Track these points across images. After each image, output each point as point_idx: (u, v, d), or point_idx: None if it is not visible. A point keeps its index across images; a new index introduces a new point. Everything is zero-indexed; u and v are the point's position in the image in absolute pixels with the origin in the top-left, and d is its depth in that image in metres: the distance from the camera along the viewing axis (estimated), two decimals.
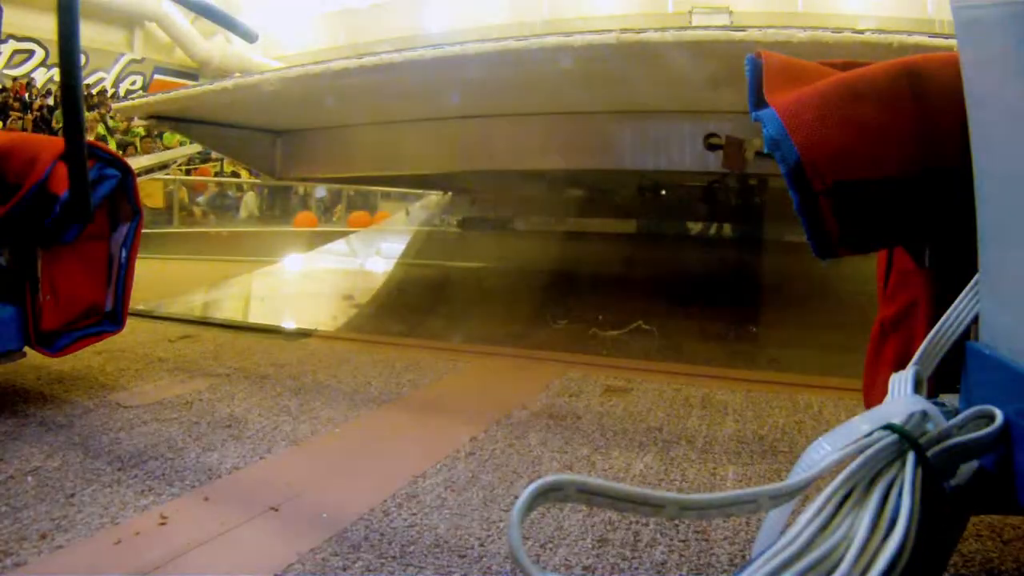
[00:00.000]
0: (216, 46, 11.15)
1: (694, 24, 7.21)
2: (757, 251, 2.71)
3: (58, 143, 0.96)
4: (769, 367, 1.40)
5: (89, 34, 8.08)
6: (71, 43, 0.90)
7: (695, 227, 3.04)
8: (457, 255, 3.25)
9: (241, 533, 0.61)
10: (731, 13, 7.81)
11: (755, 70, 0.58)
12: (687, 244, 3.00)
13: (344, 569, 0.55)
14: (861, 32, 1.19)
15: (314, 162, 2.29)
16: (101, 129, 7.37)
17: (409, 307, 2.30)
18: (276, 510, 0.66)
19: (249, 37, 1.28)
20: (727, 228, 2.92)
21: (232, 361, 1.30)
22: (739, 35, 1.18)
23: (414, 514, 0.65)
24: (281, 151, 2.30)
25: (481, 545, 0.59)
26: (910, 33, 1.16)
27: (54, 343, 1.01)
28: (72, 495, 0.67)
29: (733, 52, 1.18)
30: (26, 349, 1.00)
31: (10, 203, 0.92)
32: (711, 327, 1.86)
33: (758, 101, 0.56)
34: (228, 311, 2.20)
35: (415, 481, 0.73)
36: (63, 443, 0.83)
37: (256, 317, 2.07)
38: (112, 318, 1.11)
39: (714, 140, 1.55)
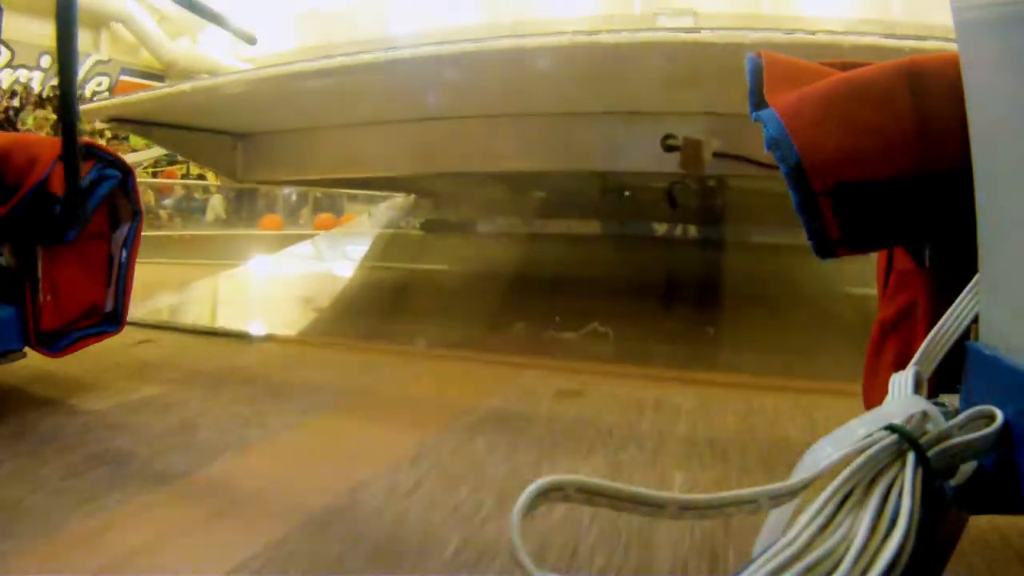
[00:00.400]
0: (182, 47, 11.10)
1: (657, 26, 7.27)
2: (720, 251, 2.71)
3: (58, 144, 0.97)
4: (725, 368, 1.39)
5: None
6: (68, 46, 0.90)
7: (660, 228, 3.03)
8: (419, 258, 3.24)
9: (180, 541, 0.60)
10: (696, 15, 7.89)
11: (755, 70, 0.58)
12: (650, 244, 2.98)
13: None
14: (812, 33, 1.21)
15: (276, 165, 2.29)
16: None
17: (368, 310, 2.28)
18: (219, 517, 0.65)
19: (247, 39, 1.29)
20: (692, 229, 2.91)
21: (189, 365, 1.28)
22: (692, 37, 1.20)
23: (353, 522, 0.64)
24: (243, 154, 2.29)
25: (418, 553, 0.58)
26: (862, 34, 1.17)
27: (54, 343, 1.01)
28: (20, 501, 0.66)
29: (687, 53, 1.21)
30: (26, 349, 1.00)
31: (10, 203, 0.92)
32: (669, 328, 1.85)
33: (758, 101, 0.56)
34: (190, 315, 2.20)
35: (357, 488, 0.71)
36: (10, 449, 0.81)
37: (217, 321, 2.08)
38: (112, 318, 1.12)
39: (671, 142, 1.54)
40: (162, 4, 10.43)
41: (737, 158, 1.45)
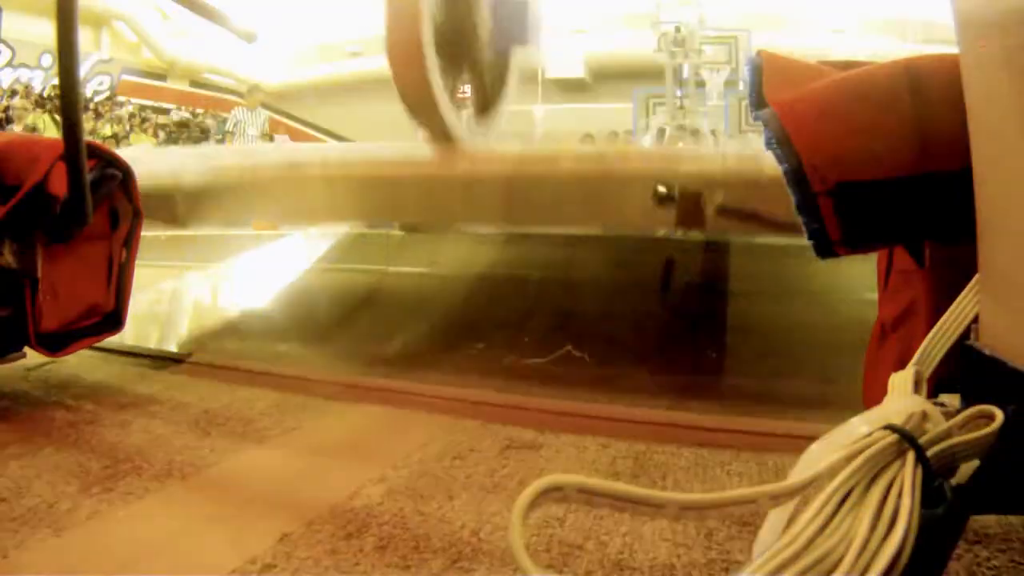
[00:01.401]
0: (183, 47, 11.06)
1: (661, 19, 7.34)
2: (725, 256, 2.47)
3: (58, 144, 0.97)
4: (731, 408, 1.12)
5: None
6: (70, 44, 0.90)
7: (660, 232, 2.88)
8: (393, 260, 3.03)
9: None
10: (701, 8, 7.76)
11: (755, 70, 0.58)
12: (645, 244, 2.76)
13: None
14: None
15: (218, 212, 2.21)
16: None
17: (308, 323, 1.96)
18: None
19: (247, 37, 1.28)
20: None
21: (75, 398, 1.06)
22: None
23: None
24: (183, 205, 2.23)
25: None
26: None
27: (54, 343, 1.01)
28: None
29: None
30: (26, 349, 1.00)
31: (10, 203, 0.92)
32: (660, 348, 1.52)
33: (758, 101, 0.56)
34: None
35: None
36: None
37: (136, 337, 1.78)
38: (112, 318, 1.12)
39: (663, 192, 1.23)
40: (164, 3, 10.40)
41: (748, 215, 1.17)
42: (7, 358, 0.99)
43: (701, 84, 7.91)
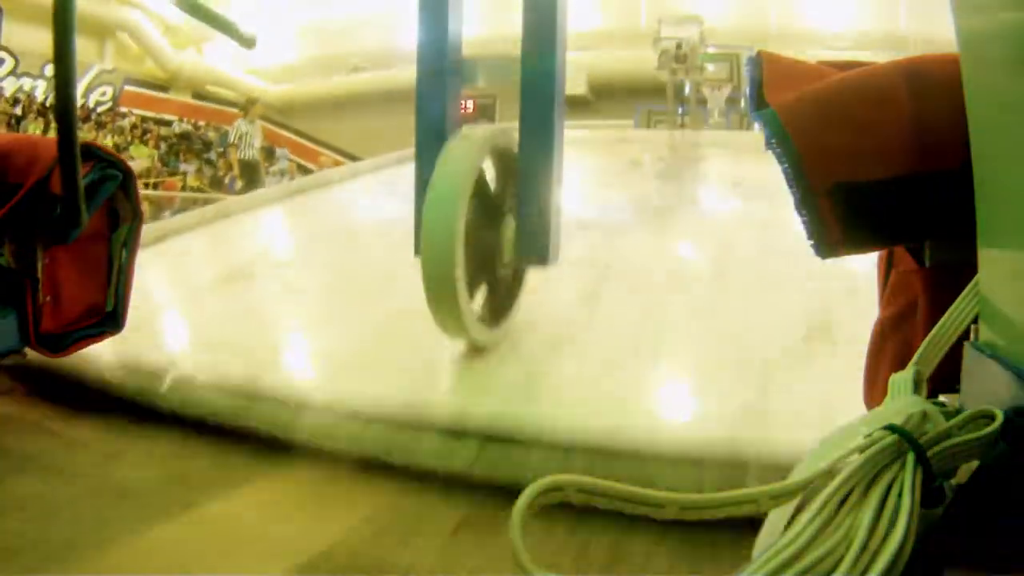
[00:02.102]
0: (188, 58, 11.03)
1: (662, 35, 7.12)
2: None
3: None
4: None
5: None
6: (66, 46, 0.90)
7: None
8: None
9: None
10: (702, 24, 7.62)
11: (755, 70, 0.58)
12: None
13: None
14: None
15: None
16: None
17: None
18: None
19: (247, 43, 1.28)
20: None
21: None
22: None
23: None
24: None
25: None
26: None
27: (55, 344, 1.01)
28: None
29: None
30: (26, 349, 1.00)
31: (11, 203, 0.92)
32: None
33: (759, 102, 0.56)
34: None
35: None
36: None
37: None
38: (112, 319, 1.12)
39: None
40: (168, 14, 10.36)
41: None
42: (7, 358, 0.99)
43: (703, 102, 7.74)
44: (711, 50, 7.80)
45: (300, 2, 11.42)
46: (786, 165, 0.50)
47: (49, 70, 9.09)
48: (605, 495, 0.30)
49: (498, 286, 1.16)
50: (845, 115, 0.51)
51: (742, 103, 7.71)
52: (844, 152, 0.50)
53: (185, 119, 10.65)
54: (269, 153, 10.49)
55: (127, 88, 10.58)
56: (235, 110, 11.68)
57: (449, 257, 0.99)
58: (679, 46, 7.10)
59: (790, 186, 0.51)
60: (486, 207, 1.08)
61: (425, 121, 1.14)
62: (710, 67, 7.68)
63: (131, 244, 1.11)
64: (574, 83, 9.55)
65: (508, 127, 1.13)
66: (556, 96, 1.09)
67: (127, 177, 1.07)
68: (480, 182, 1.06)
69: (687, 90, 7.35)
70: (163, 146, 9.71)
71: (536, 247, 1.12)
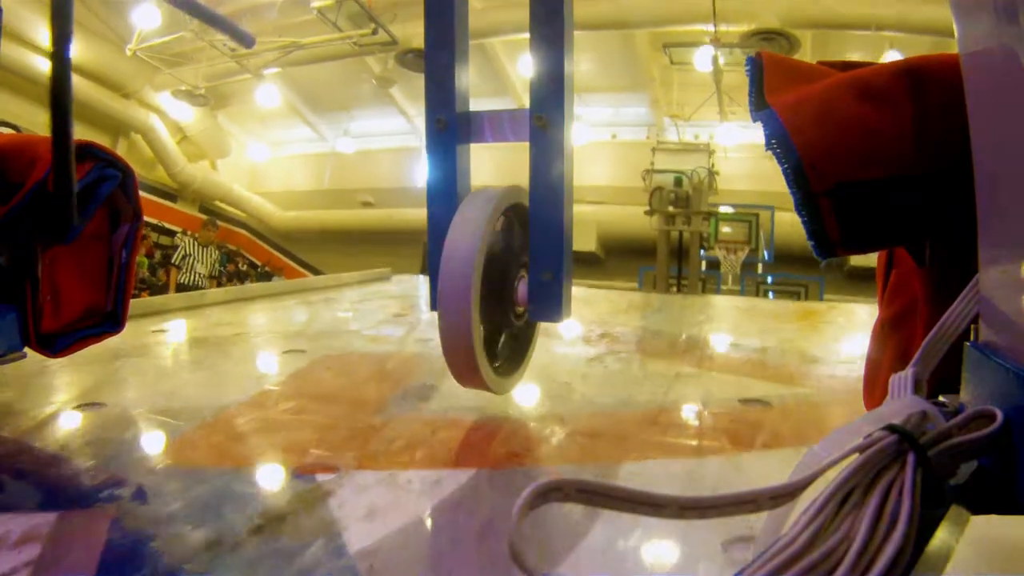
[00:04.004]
0: (200, 170, 10.90)
1: (655, 167, 5.43)
2: None
3: None
4: None
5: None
6: (62, 41, 0.90)
7: None
8: None
9: None
10: (712, 156, 5.81)
11: (755, 70, 0.58)
12: None
13: None
14: None
15: None
16: None
17: None
18: None
19: (245, 42, 1.28)
20: None
21: None
22: None
23: None
24: None
25: None
26: None
27: (55, 344, 1.02)
28: None
29: None
30: (26, 350, 1.00)
31: (10, 203, 0.92)
32: None
33: (758, 101, 0.56)
34: None
35: None
36: None
37: None
38: (112, 319, 1.12)
39: None
40: (186, 124, 10.14)
41: None
42: (7, 358, 0.99)
43: (714, 265, 6.03)
44: (726, 209, 6.28)
45: (314, 137, 11.32)
46: (786, 166, 0.50)
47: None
48: (605, 495, 0.30)
49: (512, 339, 1.18)
50: (846, 115, 0.51)
51: (759, 269, 6.42)
52: (844, 152, 0.50)
53: (188, 232, 10.53)
54: (264, 277, 10.39)
55: None
56: (242, 230, 11.53)
57: (466, 313, 1.02)
58: (679, 182, 5.22)
59: (790, 187, 0.51)
60: (500, 263, 1.11)
61: (436, 178, 1.18)
62: (725, 228, 6.15)
63: (131, 244, 1.11)
64: (585, 239, 8.45)
65: (520, 186, 1.15)
66: (566, 153, 1.11)
67: (127, 176, 1.07)
68: (494, 239, 1.08)
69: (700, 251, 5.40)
70: (157, 254, 9.43)
71: (550, 304, 1.15)
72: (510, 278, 1.12)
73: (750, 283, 6.73)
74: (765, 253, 6.57)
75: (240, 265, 10.74)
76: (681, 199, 5.11)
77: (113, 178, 1.05)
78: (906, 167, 0.49)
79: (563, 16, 1.06)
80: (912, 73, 0.51)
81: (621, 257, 8.82)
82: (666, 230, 5.24)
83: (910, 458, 0.32)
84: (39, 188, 0.94)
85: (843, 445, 0.33)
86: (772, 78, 0.56)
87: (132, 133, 10.20)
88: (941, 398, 0.41)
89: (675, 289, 5.36)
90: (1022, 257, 0.35)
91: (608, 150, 9.18)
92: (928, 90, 0.50)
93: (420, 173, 10.18)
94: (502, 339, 1.16)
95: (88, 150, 1.00)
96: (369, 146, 11.03)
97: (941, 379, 0.42)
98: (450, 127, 1.13)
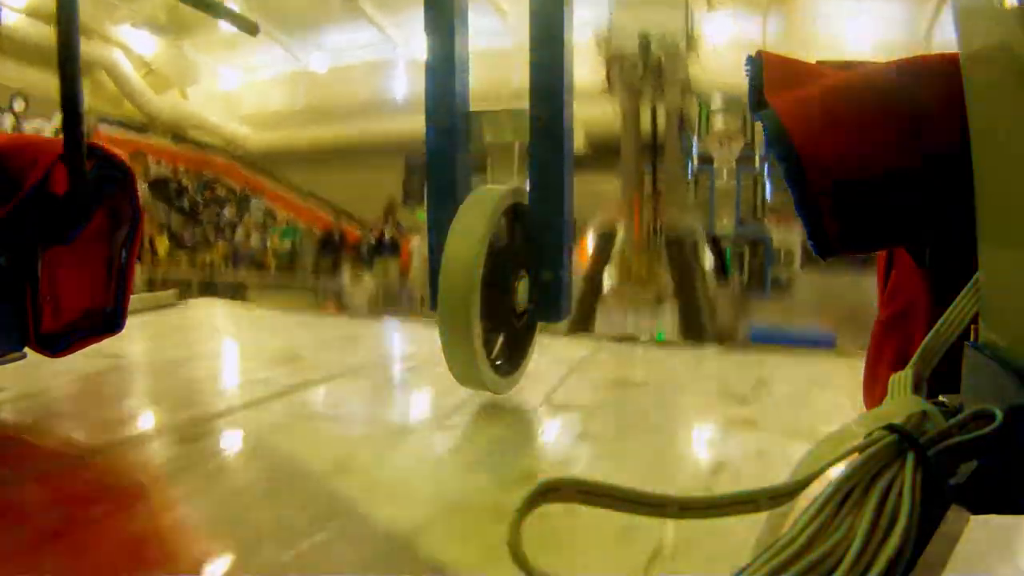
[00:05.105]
0: (167, 101, 10.41)
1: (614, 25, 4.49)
2: None
3: (58, 144, 0.97)
4: None
5: (32, 79, 7.20)
6: (70, 42, 0.90)
7: None
8: None
9: None
10: (691, 14, 5.44)
11: (755, 70, 0.58)
12: None
13: None
14: None
15: None
16: None
17: None
18: None
19: (250, 30, 1.29)
20: None
21: None
22: None
23: None
24: None
25: None
26: None
27: (54, 344, 1.02)
28: None
29: None
30: (26, 350, 1.00)
31: (10, 203, 0.92)
32: None
33: (758, 101, 0.56)
34: None
35: None
36: None
37: None
38: (112, 319, 1.12)
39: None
40: (150, 56, 9.99)
41: None
42: (7, 358, 0.99)
43: (707, 160, 5.26)
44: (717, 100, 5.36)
45: (286, 58, 11.19)
46: (785, 165, 0.50)
47: (57, 119, 8.89)
48: (605, 495, 0.30)
49: (512, 338, 1.18)
50: (845, 114, 0.51)
51: (756, 163, 5.64)
52: (844, 151, 0.50)
53: (163, 162, 10.19)
54: (243, 200, 10.28)
55: (101, 127, 10.16)
56: (218, 156, 11.01)
57: (466, 313, 1.02)
58: (645, 47, 3.74)
59: (790, 187, 0.51)
60: (501, 263, 1.11)
61: (437, 179, 1.18)
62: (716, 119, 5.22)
63: (131, 244, 1.11)
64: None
65: (520, 187, 1.15)
66: (566, 153, 1.11)
67: (127, 176, 1.07)
68: (494, 239, 1.08)
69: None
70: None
71: (549, 303, 1.16)
72: (510, 278, 1.12)
73: (747, 178, 5.74)
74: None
75: (218, 191, 10.46)
76: (651, 70, 3.60)
77: (113, 178, 1.05)
78: (906, 167, 0.49)
79: (562, 18, 1.06)
80: (913, 73, 0.51)
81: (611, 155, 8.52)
82: (632, 112, 3.81)
83: (910, 458, 0.32)
84: (38, 188, 0.94)
85: (843, 445, 0.33)
86: (772, 77, 0.56)
87: (96, 71, 9.65)
88: (941, 398, 0.41)
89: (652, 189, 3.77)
90: (1022, 257, 0.35)
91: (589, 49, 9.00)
92: (928, 89, 0.50)
93: (398, 85, 9.78)
94: (501, 339, 1.17)
95: (89, 149, 1.00)
96: (343, 61, 10.42)
97: (941, 379, 0.42)
98: (451, 129, 1.14)
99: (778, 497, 0.32)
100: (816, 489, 0.31)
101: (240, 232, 9.62)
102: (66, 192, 0.94)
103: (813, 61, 0.60)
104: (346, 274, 8.79)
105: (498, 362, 1.13)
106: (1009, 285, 0.36)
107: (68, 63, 0.91)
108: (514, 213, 1.13)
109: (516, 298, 1.12)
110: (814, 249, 0.52)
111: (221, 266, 9.19)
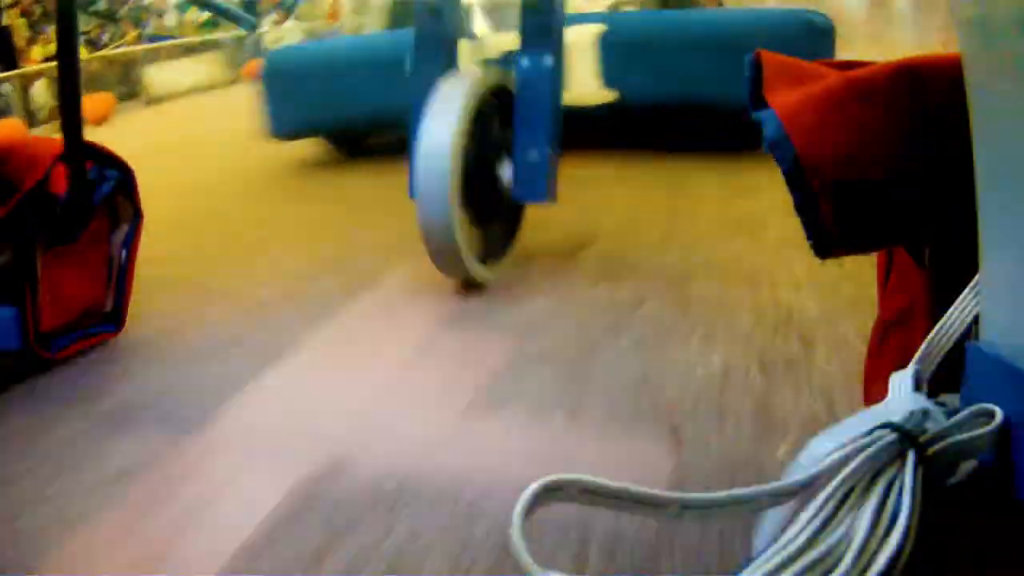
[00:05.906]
0: None
1: None
2: None
3: (57, 144, 0.97)
4: None
5: None
6: (70, 42, 0.90)
7: None
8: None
9: None
10: None
11: (755, 70, 0.58)
12: None
13: None
14: None
15: None
16: None
17: None
18: None
19: (249, 25, 1.28)
20: None
21: None
22: None
23: None
24: None
25: None
26: None
27: (53, 343, 1.01)
28: None
29: None
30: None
31: (10, 204, 0.92)
32: None
33: (758, 102, 0.56)
34: None
35: None
36: None
37: None
38: (112, 318, 1.11)
39: None
40: None
41: None
42: (7, 358, 0.99)
43: None
44: None
45: None
46: (785, 166, 0.50)
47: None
48: (606, 494, 0.30)
49: (496, 224, 1.14)
50: (845, 115, 0.51)
51: None
52: (844, 152, 0.50)
53: None
54: None
55: None
56: None
57: (444, 200, 0.97)
58: None
59: (790, 186, 0.51)
60: (483, 146, 1.06)
61: (422, 45, 1.12)
62: None
63: (131, 244, 1.11)
64: None
65: (503, 70, 1.11)
66: (555, 30, 1.07)
67: (126, 177, 1.07)
68: (475, 121, 1.02)
69: None
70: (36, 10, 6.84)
71: (534, 185, 1.11)
72: (492, 160, 1.07)
73: None
74: None
75: None
76: None
77: (112, 178, 1.04)
78: (906, 167, 0.49)
79: None
80: (913, 73, 0.51)
81: None
82: None
83: (910, 456, 0.32)
84: (38, 189, 0.94)
85: (843, 443, 0.33)
86: (772, 78, 0.56)
87: None
88: (941, 397, 0.41)
89: None
90: (1022, 257, 0.35)
91: None
92: (927, 90, 0.50)
93: None
94: (485, 225, 1.12)
95: (88, 150, 1.00)
96: None
97: (941, 379, 0.42)
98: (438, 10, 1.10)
99: (778, 496, 0.32)
100: (816, 487, 0.31)
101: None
102: (66, 192, 0.93)
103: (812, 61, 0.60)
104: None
105: (481, 250, 1.09)
106: (1009, 285, 0.36)
107: (68, 63, 0.91)
108: (498, 94, 1.09)
109: (499, 182, 1.07)
110: (814, 248, 0.52)
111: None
